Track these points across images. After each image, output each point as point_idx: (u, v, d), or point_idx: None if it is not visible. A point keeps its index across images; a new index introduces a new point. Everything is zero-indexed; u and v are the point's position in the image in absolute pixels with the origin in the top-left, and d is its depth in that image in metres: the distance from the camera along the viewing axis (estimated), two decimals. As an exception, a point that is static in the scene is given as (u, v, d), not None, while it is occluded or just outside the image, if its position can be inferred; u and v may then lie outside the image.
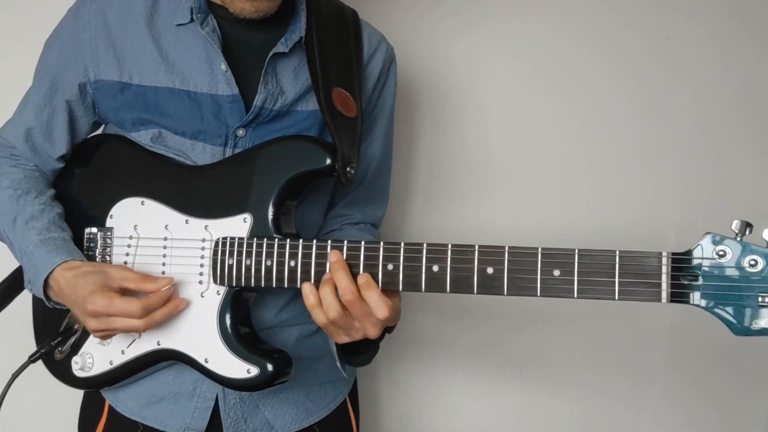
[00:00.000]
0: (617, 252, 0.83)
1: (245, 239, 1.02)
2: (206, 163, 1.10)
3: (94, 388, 1.15)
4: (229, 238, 1.03)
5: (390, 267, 0.93)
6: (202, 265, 1.05)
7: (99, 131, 1.23)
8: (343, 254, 0.95)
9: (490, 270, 0.88)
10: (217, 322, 1.03)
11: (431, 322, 1.73)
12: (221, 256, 1.03)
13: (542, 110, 1.69)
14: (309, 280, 0.97)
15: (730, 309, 0.80)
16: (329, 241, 0.96)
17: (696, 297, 0.81)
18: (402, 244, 0.93)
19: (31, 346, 1.14)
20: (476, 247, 0.89)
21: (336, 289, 0.93)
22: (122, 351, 1.08)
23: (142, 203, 1.10)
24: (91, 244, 1.13)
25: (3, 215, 1.10)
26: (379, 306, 0.91)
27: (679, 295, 0.81)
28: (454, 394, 1.75)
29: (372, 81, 1.21)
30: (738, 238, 0.80)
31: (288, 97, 1.12)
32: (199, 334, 1.03)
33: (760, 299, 0.78)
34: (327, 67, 1.12)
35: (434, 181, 1.71)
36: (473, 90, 1.68)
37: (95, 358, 1.10)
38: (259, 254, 1.00)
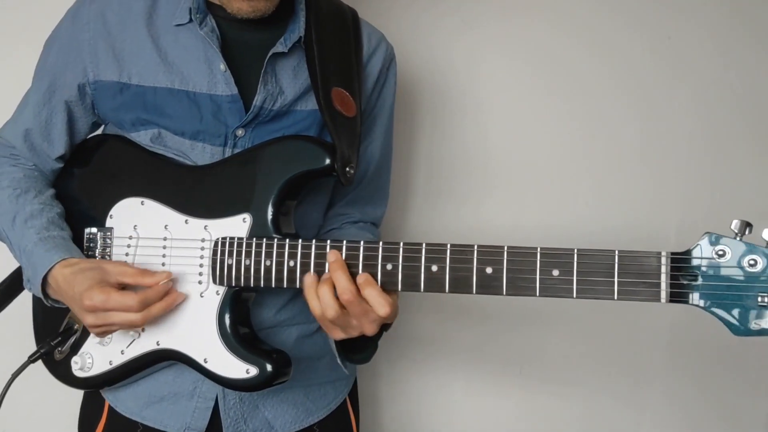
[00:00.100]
0: (616, 252, 0.83)
1: (244, 239, 1.02)
2: (206, 163, 1.10)
3: (93, 388, 1.15)
4: (228, 238, 1.03)
5: (389, 267, 0.93)
6: (201, 265, 1.05)
7: (99, 131, 1.23)
8: (342, 254, 0.95)
9: (489, 270, 0.88)
10: (216, 322, 1.03)
11: (431, 322, 1.73)
12: (221, 256, 1.03)
13: (542, 110, 1.69)
14: None
15: (729, 309, 0.79)
16: (328, 241, 0.96)
17: (695, 297, 0.80)
18: (401, 244, 0.93)
19: (31, 346, 1.15)
20: (475, 247, 0.89)
21: (334, 288, 0.93)
22: (122, 351, 1.08)
23: (142, 203, 1.10)
24: (91, 244, 1.13)
25: (2, 214, 1.10)
26: (379, 303, 0.91)
27: (678, 295, 0.81)
28: (454, 393, 1.75)
29: (371, 80, 1.21)
30: (737, 238, 0.80)
31: (287, 97, 1.12)
32: (198, 334, 1.03)
33: (759, 299, 0.78)
34: (326, 67, 1.12)
35: (434, 180, 1.71)
36: (473, 90, 1.68)
37: (95, 358, 1.10)
38: (258, 254, 1.00)
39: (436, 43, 1.67)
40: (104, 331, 1.03)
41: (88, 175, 1.19)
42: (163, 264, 1.07)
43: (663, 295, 0.81)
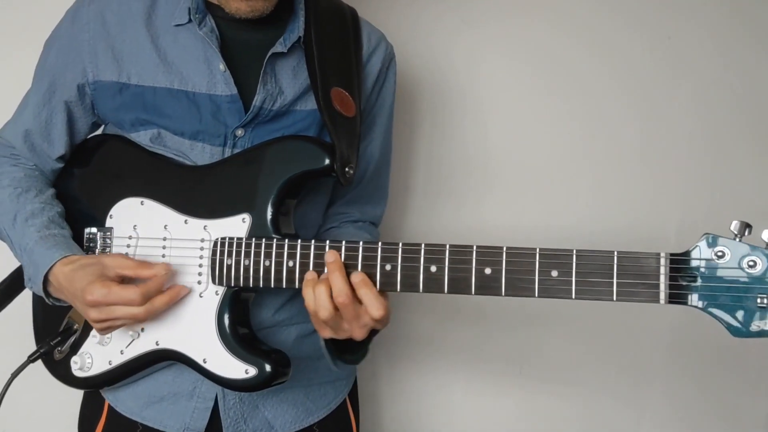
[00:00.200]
0: (615, 253, 0.83)
1: (244, 239, 1.02)
2: (205, 163, 1.10)
3: (93, 388, 1.15)
4: (227, 239, 1.03)
5: (388, 267, 0.93)
6: (200, 266, 1.05)
7: (99, 131, 1.23)
8: (341, 254, 0.95)
9: (488, 270, 0.88)
10: (215, 322, 1.03)
11: (431, 322, 1.73)
12: (220, 256, 1.03)
13: (542, 110, 1.68)
14: None
15: (728, 310, 0.79)
16: (327, 242, 0.96)
17: (694, 298, 0.80)
18: (400, 245, 0.93)
19: (31, 346, 1.14)
20: (474, 247, 0.89)
21: (330, 289, 0.93)
22: (121, 351, 1.08)
23: (142, 203, 1.10)
24: (91, 244, 1.13)
25: (3, 213, 1.10)
26: (374, 305, 0.91)
27: (677, 297, 0.81)
28: (454, 393, 1.75)
29: (371, 80, 1.21)
30: (737, 239, 0.79)
31: (287, 97, 1.12)
32: (198, 334, 1.03)
33: (759, 300, 0.78)
34: (326, 67, 1.12)
35: (433, 180, 1.71)
36: (473, 90, 1.68)
37: (94, 358, 1.10)
38: (257, 254, 1.00)
39: (436, 42, 1.67)
40: (108, 326, 1.02)
41: (88, 175, 1.19)
42: (163, 264, 1.07)
43: (662, 296, 0.81)
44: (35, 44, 1.19)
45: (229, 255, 1.02)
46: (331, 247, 0.96)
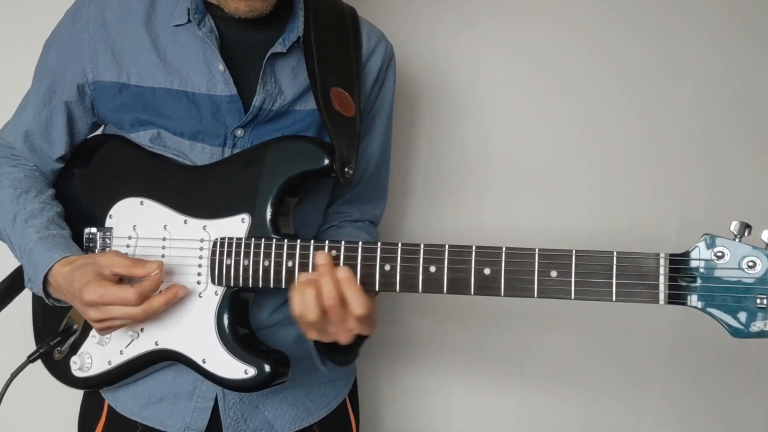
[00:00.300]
0: (614, 253, 0.83)
1: (243, 239, 1.02)
2: (205, 163, 1.10)
3: (93, 388, 1.15)
4: (227, 239, 1.03)
5: (387, 267, 0.93)
6: (200, 266, 1.05)
7: (98, 131, 1.23)
8: (340, 254, 0.95)
9: (487, 271, 0.88)
10: (214, 322, 1.03)
11: (431, 322, 1.73)
12: (219, 256, 1.03)
13: (542, 110, 1.68)
14: None
15: (727, 311, 0.79)
16: (327, 242, 0.96)
17: (693, 299, 0.80)
18: (399, 245, 0.93)
19: (31, 346, 1.14)
20: (473, 247, 0.89)
21: (318, 291, 0.92)
22: (120, 351, 1.08)
23: (142, 203, 1.10)
24: (90, 244, 1.13)
25: (3, 214, 1.11)
26: (356, 302, 0.91)
27: (676, 297, 0.80)
28: (454, 393, 1.75)
29: (371, 79, 1.21)
30: (737, 240, 0.79)
31: (287, 98, 1.12)
32: (197, 334, 1.03)
33: (758, 301, 0.77)
34: (325, 67, 1.11)
35: (433, 181, 1.70)
36: (473, 90, 1.68)
37: (94, 358, 1.10)
38: (257, 254, 1.00)
39: (436, 42, 1.67)
40: (107, 326, 1.02)
41: (88, 175, 1.19)
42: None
43: (661, 296, 0.81)
44: (35, 44, 1.19)
45: (229, 255, 1.02)
46: (330, 248, 0.95)
